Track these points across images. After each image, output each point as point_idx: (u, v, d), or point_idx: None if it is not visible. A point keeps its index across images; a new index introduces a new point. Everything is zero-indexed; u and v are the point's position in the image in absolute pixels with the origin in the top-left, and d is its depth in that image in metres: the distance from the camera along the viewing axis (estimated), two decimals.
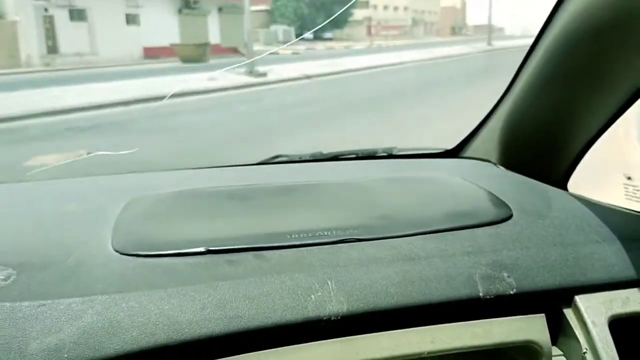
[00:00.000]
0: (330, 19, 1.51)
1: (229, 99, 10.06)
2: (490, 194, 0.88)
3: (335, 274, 0.64)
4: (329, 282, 0.63)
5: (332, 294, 0.62)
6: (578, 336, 0.68)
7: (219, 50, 22.62)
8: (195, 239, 0.70)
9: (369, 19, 63.69)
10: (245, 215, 0.80)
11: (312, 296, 0.62)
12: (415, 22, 72.71)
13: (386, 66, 16.69)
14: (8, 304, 0.57)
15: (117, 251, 0.68)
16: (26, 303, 0.57)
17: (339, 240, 0.71)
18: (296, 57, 24.02)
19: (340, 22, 57.96)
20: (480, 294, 0.66)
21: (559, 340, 0.71)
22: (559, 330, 0.70)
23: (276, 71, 13.12)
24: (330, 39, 54.11)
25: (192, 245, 0.68)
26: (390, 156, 1.20)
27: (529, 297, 0.68)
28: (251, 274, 0.63)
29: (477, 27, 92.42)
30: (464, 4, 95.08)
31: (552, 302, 0.70)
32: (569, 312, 0.70)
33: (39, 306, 0.57)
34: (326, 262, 0.66)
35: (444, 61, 20.07)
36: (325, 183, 0.95)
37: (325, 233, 0.72)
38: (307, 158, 1.18)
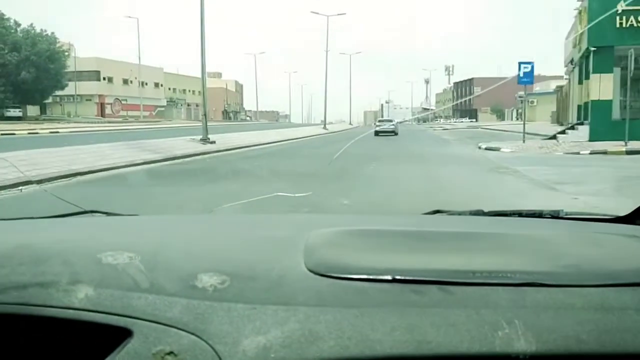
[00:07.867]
0: None
1: None
2: None
3: (523, 314, 0.65)
4: (516, 321, 0.64)
5: (519, 332, 0.63)
6: None
7: None
8: (382, 267, 0.75)
9: (101, 95, 52.54)
10: (427, 252, 0.87)
11: (499, 332, 0.63)
12: (173, 102, 63.80)
13: None
14: (225, 304, 0.67)
15: (310, 271, 0.75)
16: (240, 305, 0.67)
17: (525, 283, 0.71)
18: None
19: (37, 97, 44.70)
20: None
21: None
22: None
23: None
24: (19, 118, 41.33)
25: (379, 273, 0.73)
26: (557, 217, 1.22)
27: None
28: (437, 305, 0.67)
29: (259, 113, 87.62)
30: (239, 86, 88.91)
31: None
32: None
33: (251, 309, 0.66)
34: (512, 302, 0.68)
35: None
36: (503, 233, 1.01)
37: (509, 275, 0.74)
38: (467, 213, 1.26)
